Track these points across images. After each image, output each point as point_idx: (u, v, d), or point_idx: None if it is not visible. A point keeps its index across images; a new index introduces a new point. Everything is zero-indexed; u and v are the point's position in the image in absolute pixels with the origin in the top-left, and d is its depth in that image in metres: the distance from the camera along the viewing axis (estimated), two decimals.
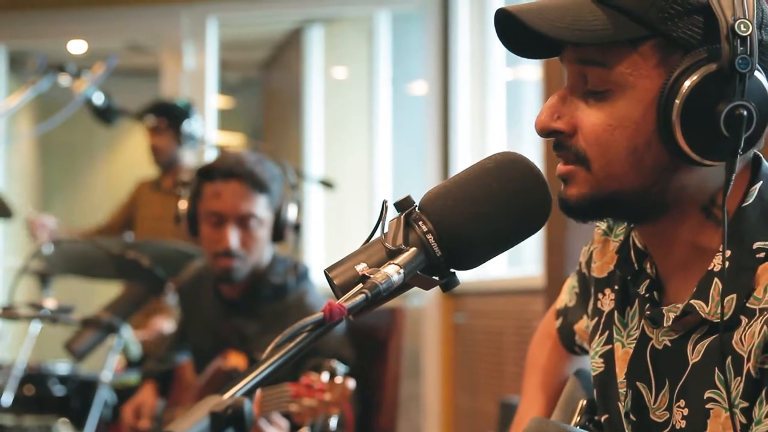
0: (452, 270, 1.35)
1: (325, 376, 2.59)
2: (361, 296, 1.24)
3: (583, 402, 1.63)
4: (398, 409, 3.12)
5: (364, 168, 6.72)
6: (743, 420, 1.31)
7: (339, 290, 1.28)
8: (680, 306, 1.39)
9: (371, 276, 1.26)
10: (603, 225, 1.60)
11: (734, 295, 1.34)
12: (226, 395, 1.12)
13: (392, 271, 1.27)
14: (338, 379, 2.58)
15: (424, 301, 5.52)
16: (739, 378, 1.31)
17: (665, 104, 1.32)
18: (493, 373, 5.06)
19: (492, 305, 5.16)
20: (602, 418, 1.52)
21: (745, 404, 1.31)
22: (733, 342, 1.33)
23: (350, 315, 1.24)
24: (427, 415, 5.54)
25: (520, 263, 5.44)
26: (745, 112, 1.29)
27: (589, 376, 1.66)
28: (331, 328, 1.23)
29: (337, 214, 6.91)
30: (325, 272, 1.32)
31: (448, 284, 1.36)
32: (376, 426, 3.10)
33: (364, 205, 6.69)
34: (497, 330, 5.05)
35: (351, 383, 2.59)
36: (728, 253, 1.36)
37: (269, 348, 1.18)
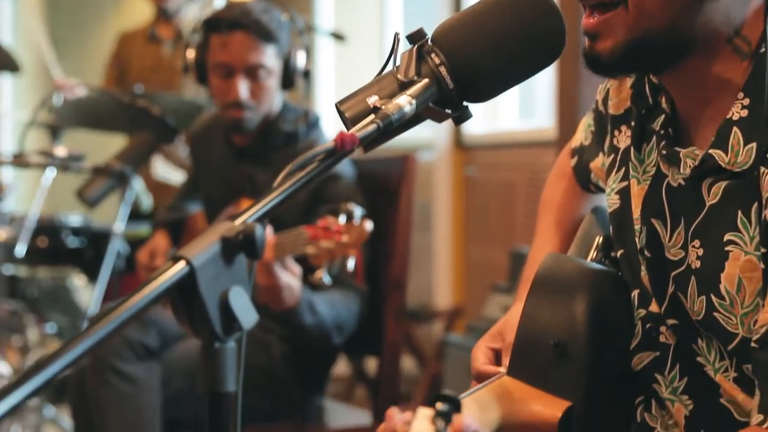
0: (465, 103, 1.33)
1: (342, 219, 2.59)
2: (373, 126, 1.23)
3: (599, 238, 1.63)
4: (409, 257, 3.13)
5: (374, 21, 6.63)
6: (761, 266, 1.30)
7: (350, 123, 1.27)
8: (699, 153, 1.38)
9: (383, 107, 1.25)
10: None
11: (754, 144, 1.32)
12: (238, 221, 1.12)
13: (404, 102, 1.26)
14: (355, 221, 2.58)
15: (435, 154, 5.50)
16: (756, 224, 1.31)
17: None
18: (504, 225, 5.08)
19: (503, 158, 5.15)
20: (618, 253, 1.51)
21: (763, 250, 1.30)
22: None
23: (361, 145, 1.23)
24: (438, 268, 5.58)
25: (532, 115, 5.41)
26: None
27: (606, 213, 1.66)
28: (342, 158, 1.22)
29: (348, 66, 6.85)
30: (336, 105, 1.31)
31: (461, 117, 1.35)
32: (387, 274, 3.11)
33: (374, 57, 6.63)
34: (508, 182, 5.05)
35: (368, 225, 2.59)
36: (747, 101, 1.34)
37: (280, 176, 1.18)
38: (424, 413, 1.01)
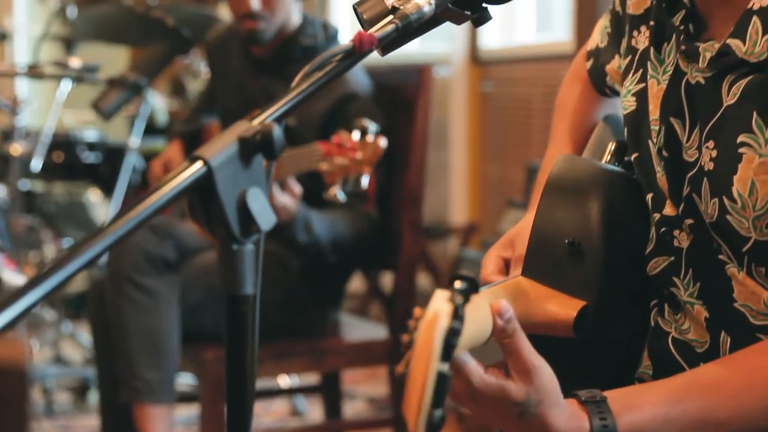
0: (484, 4, 1.31)
1: (356, 135, 2.58)
2: (392, 26, 1.21)
3: (612, 144, 1.61)
4: (426, 169, 3.11)
5: None
6: None
7: (367, 25, 1.25)
8: (717, 45, 1.35)
9: (401, 7, 1.23)
10: None
11: None
12: (255, 122, 1.10)
13: (423, 2, 1.24)
14: (370, 138, 2.57)
15: (451, 70, 5.46)
16: None
17: None
18: (521, 140, 5.05)
19: (520, 72, 5.11)
20: (633, 157, 1.50)
21: None
22: None
23: (380, 46, 1.21)
24: (453, 184, 5.56)
25: (549, 28, 5.35)
26: None
27: (618, 121, 1.64)
28: (361, 59, 1.21)
29: None
30: (353, 6, 1.29)
31: (480, 19, 1.33)
32: (403, 187, 3.10)
33: None
34: (525, 97, 5.02)
35: (383, 142, 2.58)
36: None
37: (298, 76, 1.16)
38: (442, 294, 1.01)
